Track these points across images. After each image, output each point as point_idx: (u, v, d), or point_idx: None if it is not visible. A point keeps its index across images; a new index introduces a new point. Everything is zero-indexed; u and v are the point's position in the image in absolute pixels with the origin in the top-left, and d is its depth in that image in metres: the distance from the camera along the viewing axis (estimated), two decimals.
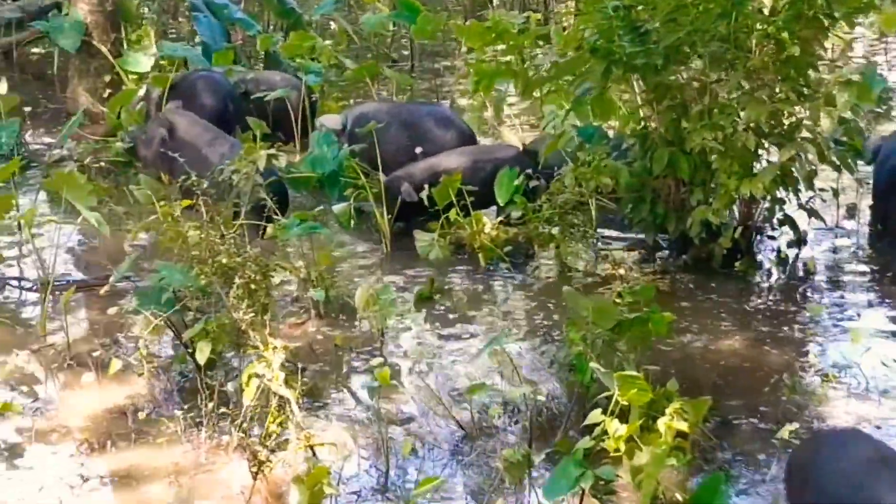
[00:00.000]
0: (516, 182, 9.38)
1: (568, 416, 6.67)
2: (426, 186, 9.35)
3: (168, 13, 17.28)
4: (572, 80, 9.15)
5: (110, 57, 12.57)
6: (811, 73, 8.74)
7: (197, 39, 14.01)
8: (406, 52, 15.75)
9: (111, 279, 8.16)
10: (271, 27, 15.87)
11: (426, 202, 9.33)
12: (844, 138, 9.00)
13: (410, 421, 6.89)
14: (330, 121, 10.64)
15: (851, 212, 9.78)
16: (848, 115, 8.82)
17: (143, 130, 10.05)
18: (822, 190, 9.26)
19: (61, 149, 10.82)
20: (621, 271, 8.77)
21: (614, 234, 9.60)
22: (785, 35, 8.38)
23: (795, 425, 6.57)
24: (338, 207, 9.61)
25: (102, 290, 8.32)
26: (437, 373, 7.43)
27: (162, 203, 7.84)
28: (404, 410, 7.00)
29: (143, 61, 12.55)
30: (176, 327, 7.29)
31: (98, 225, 8.31)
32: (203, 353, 6.81)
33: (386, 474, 6.36)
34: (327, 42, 13.55)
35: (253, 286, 7.04)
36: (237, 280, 7.03)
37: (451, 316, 8.33)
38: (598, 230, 9.39)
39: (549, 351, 7.55)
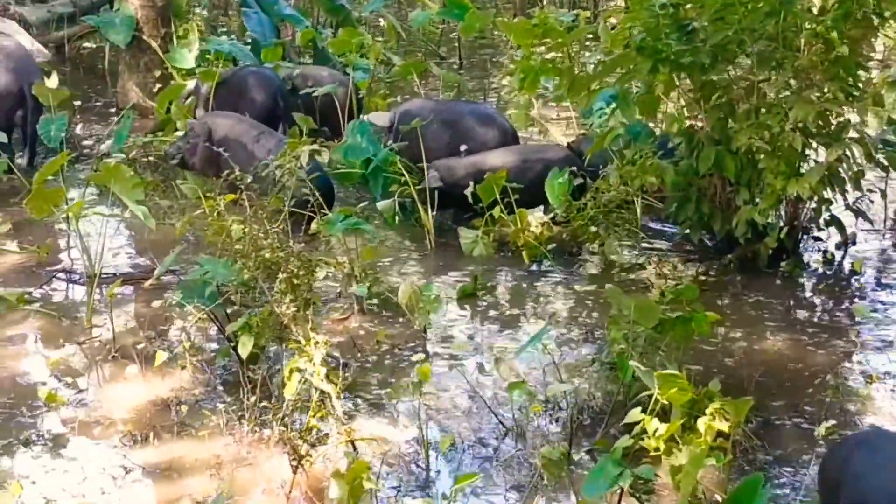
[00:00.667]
0: (565, 182, 9.35)
1: (608, 415, 6.65)
2: (471, 183, 9.36)
3: (219, 9, 17.37)
4: (619, 78, 9.13)
5: (160, 52, 12.66)
6: (860, 72, 8.67)
7: (247, 35, 14.06)
8: (454, 49, 15.75)
9: (156, 272, 8.23)
10: (321, 23, 15.92)
11: (471, 198, 9.35)
12: (893, 138, 8.91)
13: (451, 417, 6.90)
14: (378, 118, 10.67)
15: None
16: None
17: (186, 140, 10.12)
18: (869, 191, 9.20)
19: (109, 143, 10.87)
20: (665, 270, 8.74)
21: (659, 233, 9.56)
22: (834, 34, 8.33)
23: (832, 422, 6.56)
24: (382, 204, 9.63)
25: (147, 283, 8.40)
26: (479, 369, 7.43)
27: (207, 197, 7.88)
28: (445, 406, 7.01)
29: (187, 57, 12.62)
30: (219, 321, 7.33)
31: (144, 218, 8.38)
32: (246, 347, 6.84)
33: (426, 470, 6.37)
34: (377, 39, 13.58)
35: (296, 281, 7.06)
36: (280, 275, 7.06)
37: (493, 313, 8.34)
38: (643, 229, 9.36)
39: (590, 349, 7.55)
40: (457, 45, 15.60)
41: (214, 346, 7.67)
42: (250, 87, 11.32)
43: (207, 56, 12.78)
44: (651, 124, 9.95)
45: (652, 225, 9.63)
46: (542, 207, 9.69)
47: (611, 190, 9.10)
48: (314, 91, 11.33)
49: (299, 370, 6.40)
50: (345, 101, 11.50)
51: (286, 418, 6.32)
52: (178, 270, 8.40)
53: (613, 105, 9.45)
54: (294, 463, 6.08)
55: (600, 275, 8.88)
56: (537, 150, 10.41)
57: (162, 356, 7.10)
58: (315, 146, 9.10)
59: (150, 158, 10.73)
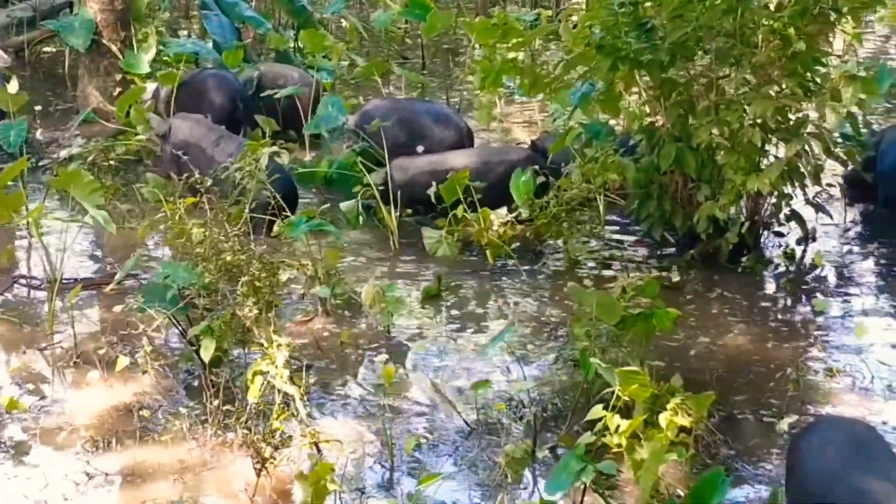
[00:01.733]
0: (529, 181, 9.36)
1: (572, 412, 6.67)
2: (434, 183, 9.37)
3: (179, 11, 17.31)
4: (579, 76, 9.16)
5: (120, 56, 12.60)
6: (817, 68, 8.72)
7: (207, 38, 14.01)
8: (418, 50, 15.74)
9: (117, 277, 8.20)
10: (282, 25, 15.88)
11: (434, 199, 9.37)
12: (851, 133, 8.98)
13: (415, 417, 6.91)
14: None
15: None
16: (854, 110, 8.80)
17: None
18: (829, 185, 9.26)
19: (69, 147, 10.83)
20: (628, 267, 8.77)
21: (622, 230, 9.59)
22: (791, 30, 8.38)
23: (794, 417, 6.62)
24: (345, 205, 9.62)
25: (108, 288, 8.36)
26: (442, 369, 7.44)
27: (168, 201, 7.86)
28: (409, 407, 7.01)
29: (141, 61, 12.54)
30: (181, 325, 7.31)
31: (104, 223, 8.34)
32: (208, 351, 6.83)
33: (390, 470, 6.37)
34: (340, 40, 13.57)
35: (258, 283, 7.05)
36: (242, 277, 7.05)
37: (457, 313, 8.34)
38: (606, 226, 9.39)
39: (554, 347, 7.57)
40: (420, 45, 15.59)
41: (177, 350, 7.64)
42: (209, 90, 11.28)
43: (166, 59, 12.72)
44: (612, 122, 9.98)
45: (614, 223, 9.63)
46: (505, 209, 9.69)
47: (573, 188, 9.13)
48: (276, 93, 11.31)
49: (262, 373, 6.40)
50: (308, 102, 11.48)
51: (249, 421, 6.30)
52: (139, 275, 8.37)
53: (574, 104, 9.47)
54: (258, 466, 6.07)
55: (563, 273, 8.90)
56: (500, 150, 10.43)
57: (123, 361, 7.07)
58: (275, 148, 9.07)
59: (111, 163, 10.67)
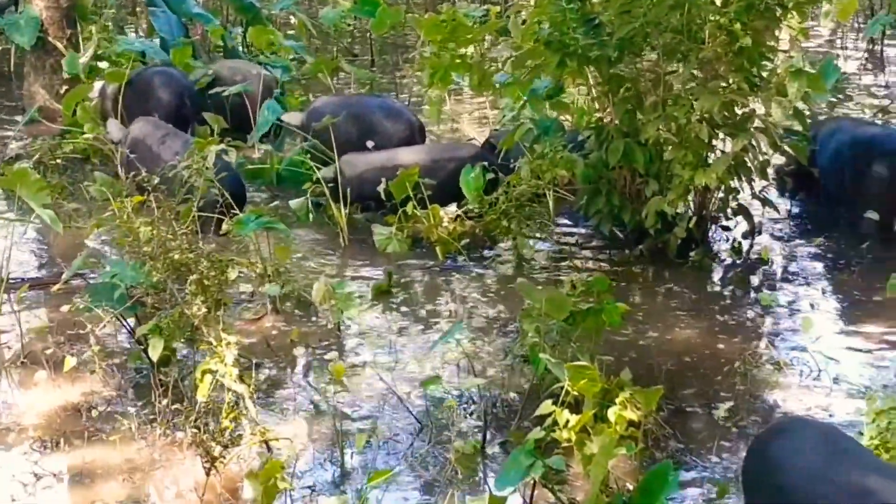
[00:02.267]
0: (478, 177, 9.37)
1: (522, 408, 6.68)
2: (383, 180, 9.36)
3: (126, 8, 17.19)
4: (528, 72, 9.17)
5: (65, 54, 12.50)
6: (763, 63, 8.79)
7: (155, 35, 13.93)
8: (367, 47, 15.73)
9: (64, 276, 8.13)
10: (230, 22, 15.82)
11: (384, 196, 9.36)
12: (798, 127, 9.05)
13: (365, 414, 6.90)
14: (291, 118, 10.65)
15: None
16: (800, 104, 8.87)
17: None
18: (776, 179, 9.34)
19: (15, 146, 10.74)
20: (577, 262, 8.80)
21: (571, 225, 9.62)
22: (737, 26, 8.43)
23: (731, 403, 6.71)
24: (295, 202, 9.60)
25: (56, 288, 8.29)
26: (393, 366, 7.44)
27: (116, 200, 7.80)
28: (359, 404, 7.00)
29: (75, 62, 12.43)
30: (129, 324, 7.26)
31: (51, 222, 8.27)
32: (156, 350, 6.79)
33: (341, 468, 6.36)
34: (288, 37, 13.54)
35: (206, 282, 7.02)
36: (191, 276, 7.02)
37: (408, 309, 8.34)
38: (555, 222, 9.42)
39: (504, 343, 7.59)
40: (369, 42, 15.58)
41: (126, 349, 7.59)
42: (156, 88, 11.22)
43: (109, 57, 12.61)
44: (561, 118, 10.01)
45: (564, 218, 9.67)
46: (456, 203, 9.70)
47: (522, 184, 9.15)
48: (224, 90, 11.26)
49: (211, 371, 6.37)
50: (257, 100, 11.44)
51: (199, 420, 6.27)
52: (86, 274, 8.30)
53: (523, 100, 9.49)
54: (207, 465, 6.05)
55: (513, 268, 8.92)
56: (450, 147, 10.43)
57: (71, 361, 7.02)
58: (222, 146, 9.03)
59: (58, 161, 10.59)
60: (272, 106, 10.65)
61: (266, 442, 6.36)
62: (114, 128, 10.36)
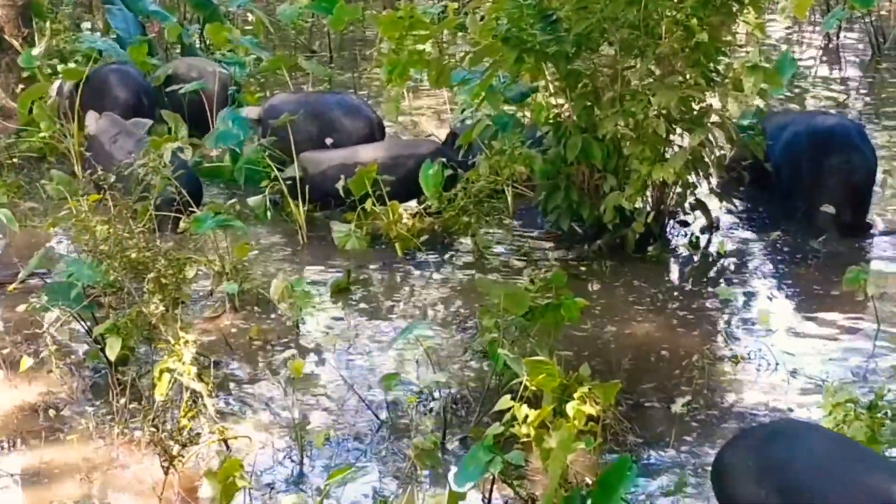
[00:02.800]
0: (438, 173, 9.37)
1: (481, 404, 6.69)
2: (342, 177, 9.34)
3: (82, 6, 17.08)
4: (486, 68, 9.18)
5: (21, 52, 12.40)
6: (720, 58, 8.83)
7: (111, 33, 13.83)
8: (326, 43, 15.69)
9: (20, 276, 8.07)
10: (187, 19, 15.74)
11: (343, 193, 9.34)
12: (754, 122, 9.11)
13: (325, 411, 6.90)
14: (249, 112, 10.62)
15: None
16: (757, 100, 8.92)
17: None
18: (732, 174, 9.39)
19: None
20: (536, 258, 8.83)
21: (530, 221, 9.63)
22: (694, 21, 8.46)
23: (688, 398, 6.74)
24: (253, 200, 9.57)
25: (11, 287, 8.22)
26: (352, 363, 7.44)
27: (73, 198, 7.77)
28: (318, 401, 6.99)
29: (27, 57, 12.33)
30: (87, 323, 7.22)
31: (7, 221, 8.21)
32: (113, 349, 6.76)
33: (300, 465, 6.35)
34: (246, 34, 13.49)
35: (164, 280, 6.99)
36: (148, 274, 6.99)
37: (367, 306, 8.33)
38: (514, 218, 9.43)
39: (463, 339, 7.60)
40: (327, 38, 15.54)
41: (83, 348, 7.55)
42: (112, 86, 11.16)
43: (63, 56, 12.51)
44: (519, 114, 10.01)
45: (523, 214, 9.68)
46: (415, 200, 9.70)
47: (480, 180, 9.15)
48: (181, 88, 11.21)
49: (169, 370, 6.36)
50: (214, 98, 11.38)
51: (157, 419, 6.25)
52: (43, 273, 8.24)
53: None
54: (165, 464, 6.02)
55: (472, 265, 8.93)
56: (410, 144, 10.43)
57: (28, 361, 6.98)
58: (178, 144, 8.99)
59: (14, 160, 10.52)
60: (236, 118, 10.45)
61: (225, 440, 6.36)
62: (91, 119, 10.30)
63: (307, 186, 9.42)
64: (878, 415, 5.91)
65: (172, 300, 6.93)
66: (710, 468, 5.64)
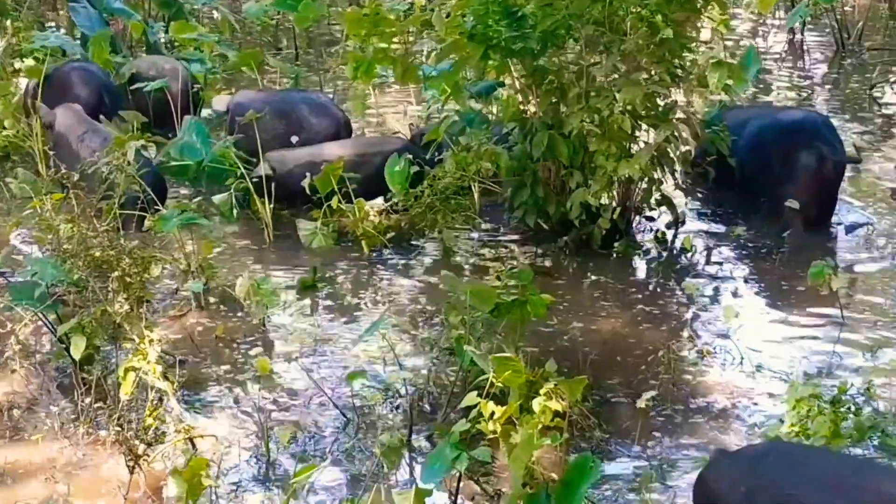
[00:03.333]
0: (404, 170, 9.37)
1: (448, 400, 6.70)
2: (308, 175, 9.32)
3: (47, 4, 16.98)
4: (452, 65, 9.18)
5: None
6: (685, 54, 8.85)
7: (76, 30, 13.76)
8: (292, 41, 15.64)
9: None
10: (152, 17, 15.65)
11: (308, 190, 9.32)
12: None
13: (291, 409, 6.89)
14: (218, 102, 10.61)
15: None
16: (722, 96, 8.96)
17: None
18: (697, 170, 9.42)
19: None
20: (503, 255, 8.84)
21: (496, 218, 9.63)
22: (658, 18, 8.46)
23: (654, 393, 6.77)
24: (219, 197, 9.52)
25: None
26: (319, 361, 7.43)
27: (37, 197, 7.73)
28: (285, 399, 6.98)
29: None
30: (51, 322, 7.18)
31: None
32: (78, 348, 6.72)
33: (266, 464, 6.34)
34: (212, 31, 13.44)
35: (129, 279, 6.96)
36: (113, 273, 6.95)
37: (333, 303, 8.32)
38: (481, 215, 9.44)
39: (430, 336, 7.59)
40: (293, 36, 15.50)
41: (48, 348, 7.51)
42: (74, 83, 11.11)
43: (25, 53, 12.43)
44: (486, 110, 10.03)
45: (489, 211, 9.68)
46: (382, 197, 9.68)
47: (447, 177, 9.15)
48: (146, 86, 11.16)
49: (134, 369, 6.34)
50: (178, 96, 11.33)
51: (122, 418, 6.23)
52: (6, 272, 8.20)
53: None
54: (131, 463, 6.01)
55: (439, 261, 8.93)
56: (378, 141, 10.41)
57: None
58: (141, 142, 8.94)
59: None
60: (199, 129, 10.30)
61: (191, 439, 6.34)
62: (43, 110, 10.23)
63: (273, 185, 9.38)
64: (841, 409, 5.95)
65: (137, 299, 6.90)
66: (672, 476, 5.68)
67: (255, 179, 9.36)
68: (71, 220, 7.24)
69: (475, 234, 9.28)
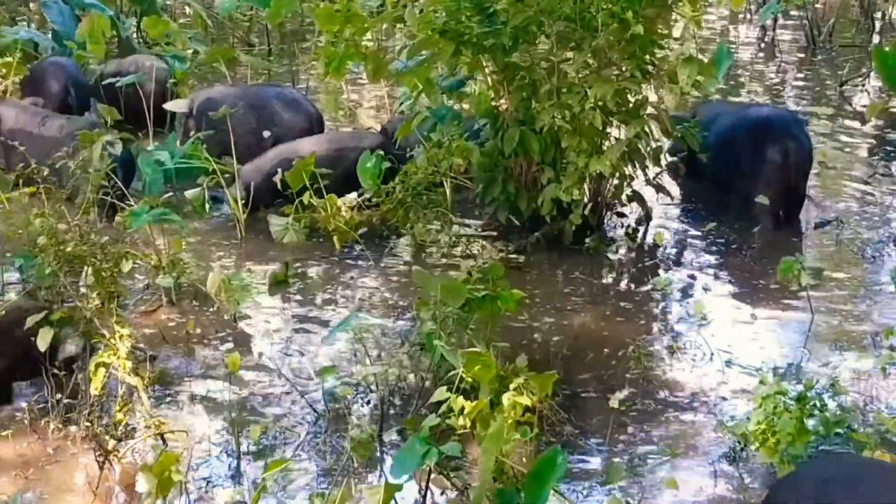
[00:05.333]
0: (376, 166, 9.38)
1: (418, 395, 6.71)
2: (279, 171, 9.30)
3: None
4: (424, 61, 9.18)
5: None
6: (656, 51, 8.88)
7: (48, 26, 13.72)
8: (264, 37, 15.63)
9: None
10: (123, 12, 15.60)
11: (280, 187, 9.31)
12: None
13: (262, 405, 6.88)
14: (176, 106, 10.55)
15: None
16: (694, 91, 8.99)
17: None
18: (669, 165, 9.46)
19: None
20: (475, 250, 8.85)
21: (468, 213, 9.65)
22: (629, 14, 8.50)
23: (625, 387, 6.82)
24: (191, 192, 9.48)
25: None
26: (290, 356, 7.43)
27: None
28: (255, 395, 6.97)
29: None
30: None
31: None
32: (45, 342, 6.68)
33: (237, 459, 6.34)
34: (184, 28, 13.40)
35: (101, 274, 6.95)
36: (85, 269, 6.94)
37: (304, 299, 8.32)
38: (453, 210, 9.44)
39: (401, 331, 7.61)
40: (265, 31, 15.48)
41: None
42: (46, 78, 11.11)
43: None
44: (458, 106, 10.03)
45: (462, 207, 9.69)
46: (355, 192, 9.68)
47: (419, 173, 9.16)
48: (118, 81, 11.14)
49: (105, 364, 6.33)
50: (150, 92, 11.29)
51: (92, 414, 6.22)
52: None
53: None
54: (101, 458, 6.00)
55: (410, 257, 8.94)
56: (353, 137, 10.41)
57: None
58: (109, 137, 8.90)
59: None
60: (150, 164, 10.17)
61: (161, 434, 6.34)
62: None
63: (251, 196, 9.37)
64: (808, 406, 5.98)
65: (108, 294, 6.88)
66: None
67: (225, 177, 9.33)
68: (41, 215, 7.21)
69: (446, 230, 9.26)
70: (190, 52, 13.12)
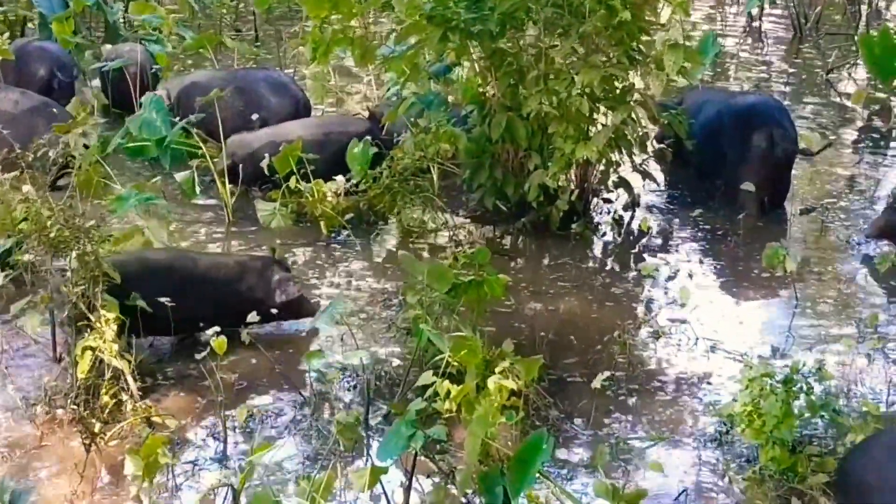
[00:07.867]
0: (365, 151, 9.38)
1: (404, 379, 6.73)
2: (267, 155, 9.30)
3: None
4: (410, 47, 9.18)
5: None
6: (643, 37, 8.89)
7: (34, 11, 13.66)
8: (251, 22, 15.60)
9: None
10: None
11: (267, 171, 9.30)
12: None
13: (248, 389, 6.89)
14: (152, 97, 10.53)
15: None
16: (679, 78, 9.00)
17: None
18: (656, 151, 9.48)
19: None
20: (461, 236, 8.87)
21: (455, 199, 9.65)
22: (616, 1, 8.50)
23: (611, 372, 6.81)
24: (180, 175, 9.46)
25: None
26: (276, 340, 7.43)
27: None
28: (242, 378, 6.97)
29: None
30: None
31: None
32: (32, 325, 6.69)
33: (223, 442, 6.35)
34: (171, 13, 13.36)
35: (86, 258, 6.94)
36: (71, 253, 6.93)
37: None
38: (440, 196, 9.45)
39: (388, 316, 7.62)
40: (253, 17, 15.45)
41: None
42: (30, 61, 11.09)
43: None
44: (445, 92, 10.03)
45: (448, 192, 9.69)
46: (342, 176, 9.66)
47: (406, 158, 9.16)
48: (105, 66, 11.11)
49: (91, 348, 6.33)
50: (136, 77, 11.26)
51: (79, 397, 6.23)
52: None
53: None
54: (87, 441, 6.00)
55: (397, 242, 8.95)
56: (341, 122, 10.40)
57: None
58: (86, 127, 8.89)
59: None
60: (159, 106, 10.07)
61: (148, 418, 6.34)
62: None
63: (240, 167, 9.36)
64: (794, 389, 6.02)
65: (93, 278, 6.87)
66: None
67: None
68: (25, 200, 7.20)
69: (433, 215, 9.26)
70: (174, 37, 13.09)
